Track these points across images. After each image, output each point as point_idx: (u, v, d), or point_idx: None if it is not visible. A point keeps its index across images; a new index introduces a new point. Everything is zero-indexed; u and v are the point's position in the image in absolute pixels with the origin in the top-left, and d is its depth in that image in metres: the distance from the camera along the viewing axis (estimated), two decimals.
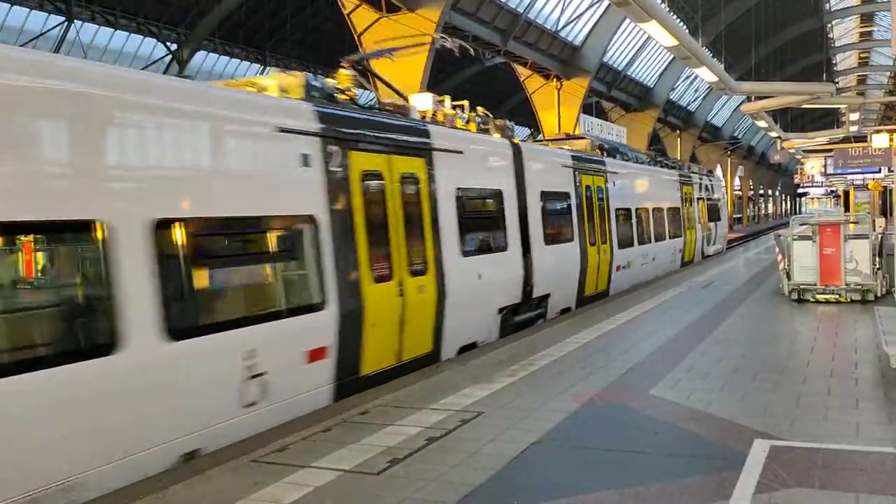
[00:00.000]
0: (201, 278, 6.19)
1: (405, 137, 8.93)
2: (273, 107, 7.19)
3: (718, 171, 58.97)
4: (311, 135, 7.34)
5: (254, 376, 6.31)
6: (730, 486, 4.62)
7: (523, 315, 11.69)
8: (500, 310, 10.86)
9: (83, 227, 5.29)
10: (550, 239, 12.62)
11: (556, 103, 35.77)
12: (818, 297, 12.70)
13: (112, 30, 29.04)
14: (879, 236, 13.68)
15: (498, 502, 4.54)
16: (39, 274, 5.44)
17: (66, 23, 26.80)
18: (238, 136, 6.65)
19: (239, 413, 6.23)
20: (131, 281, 5.40)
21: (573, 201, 13.91)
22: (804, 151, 51.15)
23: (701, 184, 25.08)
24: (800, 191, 79.99)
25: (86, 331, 5.39)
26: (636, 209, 17.68)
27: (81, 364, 5.06)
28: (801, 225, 13.31)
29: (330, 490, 4.80)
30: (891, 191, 31.79)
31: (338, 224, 7.49)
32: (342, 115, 8.03)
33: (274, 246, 7.17)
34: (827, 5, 49.15)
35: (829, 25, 52.24)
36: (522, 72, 35.83)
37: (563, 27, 34.61)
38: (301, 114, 7.37)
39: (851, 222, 13.29)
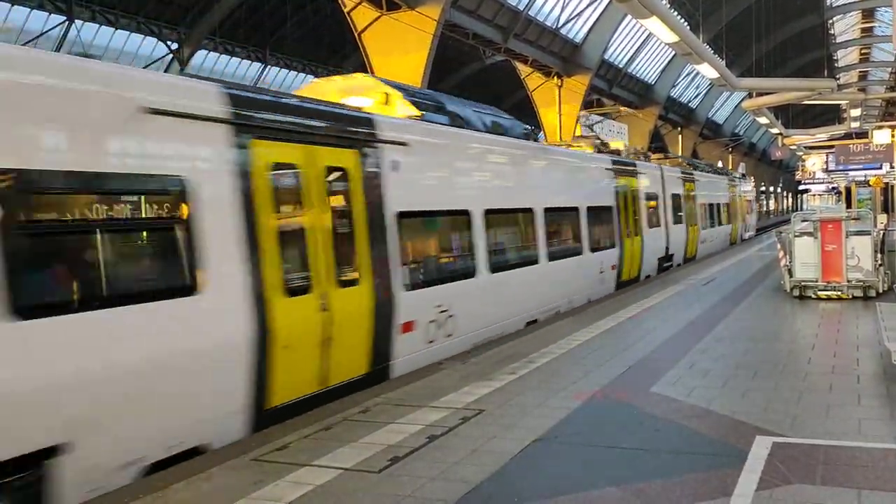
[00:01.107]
0: (595, 231, 14.32)
1: (629, 167, 17.52)
2: (603, 159, 16.15)
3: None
4: (611, 170, 16.07)
5: (600, 272, 14.56)
6: (732, 482, 4.62)
7: (665, 263, 19.94)
8: (658, 259, 19.14)
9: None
10: (674, 221, 20.90)
11: (557, 101, 35.74)
12: (820, 293, 12.69)
13: (112, 29, 29.00)
14: (881, 232, 13.65)
15: (499, 500, 4.54)
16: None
17: (66, 22, 26.81)
18: (598, 172, 15.49)
19: (599, 288, 14.52)
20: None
21: (682, 199, 22.05)
22: (805, 148, 51.02)
23: (740, 185, 33.39)
24: (801, 187, 79.80)
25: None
26: (708, 204, 25.66)
27: (573, 259, 13.32)
28: (803, 221, 13.28)
29: (331, 488, 4.79)
30: (892, 187, 31.76)
31: (617, 209, 15.85)
32: (616, 159, 16.94)
33: (605, 219, 15.08)
34: (828, 1, 49.01)
35: (830, 21, 52.09)
36: (523, 69, 35.78)
37: (564, 24, 34.58)
38: (610, 162, 16.25)
39: (853, 219, 13.24)
